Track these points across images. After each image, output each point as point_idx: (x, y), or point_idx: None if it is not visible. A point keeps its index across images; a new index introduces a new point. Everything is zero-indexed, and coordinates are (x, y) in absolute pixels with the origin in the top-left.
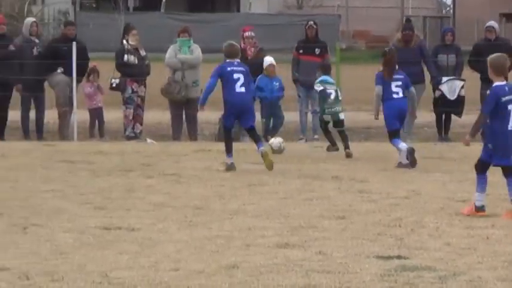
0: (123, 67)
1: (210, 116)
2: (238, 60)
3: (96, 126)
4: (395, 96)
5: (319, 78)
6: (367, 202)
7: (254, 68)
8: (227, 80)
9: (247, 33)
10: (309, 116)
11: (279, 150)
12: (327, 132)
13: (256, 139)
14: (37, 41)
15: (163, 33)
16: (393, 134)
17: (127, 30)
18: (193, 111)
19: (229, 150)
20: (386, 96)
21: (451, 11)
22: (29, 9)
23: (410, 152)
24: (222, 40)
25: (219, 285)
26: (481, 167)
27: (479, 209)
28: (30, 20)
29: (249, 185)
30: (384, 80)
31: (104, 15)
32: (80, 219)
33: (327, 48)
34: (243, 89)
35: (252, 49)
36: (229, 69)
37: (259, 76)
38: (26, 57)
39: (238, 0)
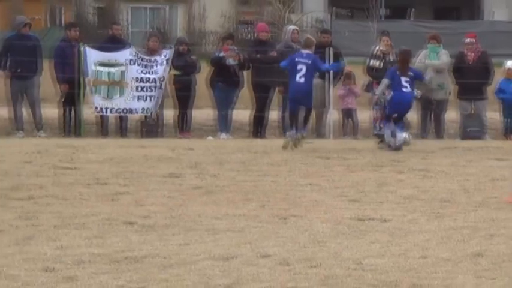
0: (368, 71)
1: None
2: (309, 52)
3: (350, 125)
4: (404, 89)
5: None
6: None
7: (473, 72)
8: (292, 69)
9: (467, 40)
10: None
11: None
12: None
13: (305, 122)
14: (298, 47)
15: (413, 40)
16: (389, 118)
17: (380, 36)
18: (439, 111)
19: (291, 126)
20: (396, 87)
21: None
22: (288, 18)
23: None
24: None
25: (464, 272)
26: None
27: None
28: (291, 27)
29: (492, 179)
30: (396, 75)
31: (358, 23)
32: (335, 211)
33: None
34: (302, 80)
35: (472, 54)
36: (297, 59)
37: (501, 79)
38: None
39: (482, 9)
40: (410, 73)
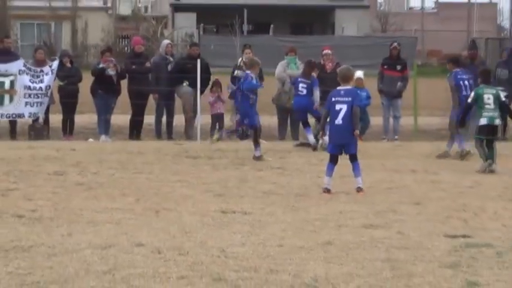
0: (234, 79)
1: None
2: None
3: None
4: (299, 93)
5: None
6: (438, 191)
7: (332, 79)
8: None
9: (325, 51)
10: (391, 120)
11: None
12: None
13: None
14: (171, 59)
15: (272, 52)
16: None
17: (243, 49)
18: (296, 117)
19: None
20: (295, 93)
21: (508, 33)
22: (161, 32)
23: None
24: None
25: (315, 258)
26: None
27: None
28: (166, 41)
29: (341, 176)
30: (296, 81)
31: (223, 37)
32: (202, 204)
33: (407, 64)
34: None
35: (330, 64)
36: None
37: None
38: (162, 72)
39: (333, 25)
40: (308, 81)
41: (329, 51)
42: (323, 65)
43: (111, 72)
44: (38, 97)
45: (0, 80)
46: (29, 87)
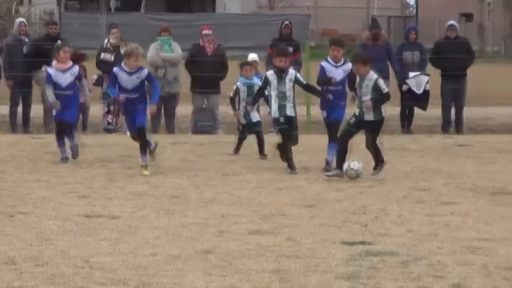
0: (99, 64)
1: (185, 110)
2: None
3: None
4: None
5: None
6: (334, 191)
7: (214, 63)
8: None
9: (204, 31)
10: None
11: None
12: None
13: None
14: (26, 40)
15: (144, 32)
16: None
17: (109, 29)
18: (172, 106)
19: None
20: None
21: (414, 11)
22: (16, 10)
23: None
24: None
25: (194, 269)
26: None
27: None
28: (19, 20)
29: (223, 175)
30: None
31: (87, 15)
32: (64, 208)
33: (300, 46)
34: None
35: (211, 46)
36: None
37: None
38: (16, 55)
39: (214, 1)
40: None
41: (209, 31)
42: (202, 46)
43: None
44: None
45: None
46: None
